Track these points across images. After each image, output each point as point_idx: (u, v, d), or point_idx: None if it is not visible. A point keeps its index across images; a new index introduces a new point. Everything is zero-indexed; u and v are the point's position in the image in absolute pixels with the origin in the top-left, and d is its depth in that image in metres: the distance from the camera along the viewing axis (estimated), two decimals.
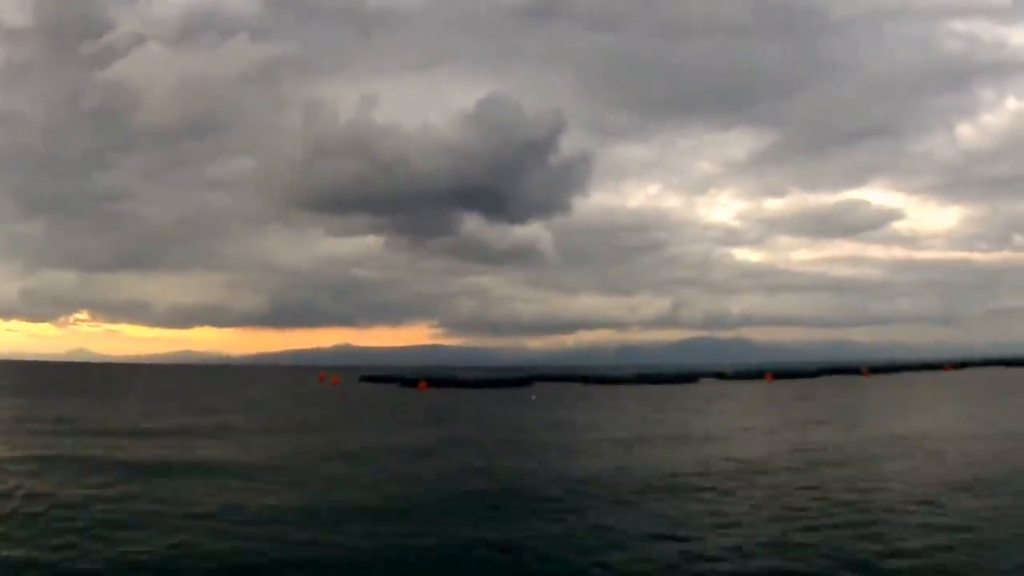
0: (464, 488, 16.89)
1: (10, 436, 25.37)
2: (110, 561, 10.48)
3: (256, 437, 27.73)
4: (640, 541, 11.92)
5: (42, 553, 10.88)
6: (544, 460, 21.16)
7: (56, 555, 10.96)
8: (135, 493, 14.91)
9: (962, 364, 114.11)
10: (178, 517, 13.44)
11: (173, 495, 14.86)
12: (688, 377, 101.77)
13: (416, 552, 11.39)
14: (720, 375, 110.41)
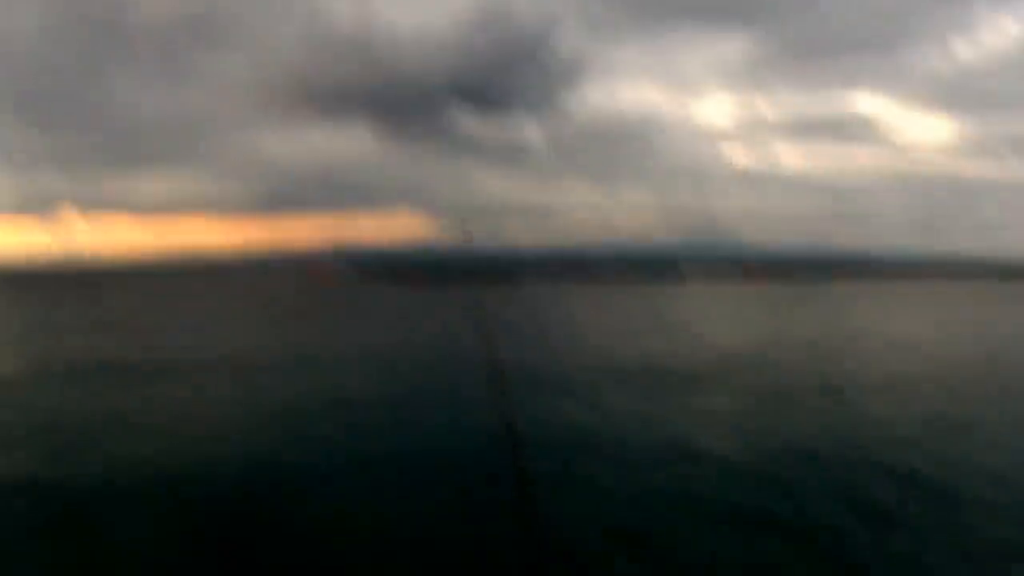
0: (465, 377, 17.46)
1: None
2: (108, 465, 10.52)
3: (245, 334, 28.03)
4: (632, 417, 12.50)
5: (33, 464, 10.88)
6: (531, 349, 21.86)
7: (46, 464, 11.22)
8: (129, 397, 14.83)
9: (946, 273, 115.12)
10: (172, 419, 13.81)
11: (167, 396, 14.89)
12: (675, 274, 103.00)
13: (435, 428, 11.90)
14: (708, 272, 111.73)
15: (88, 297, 55.94)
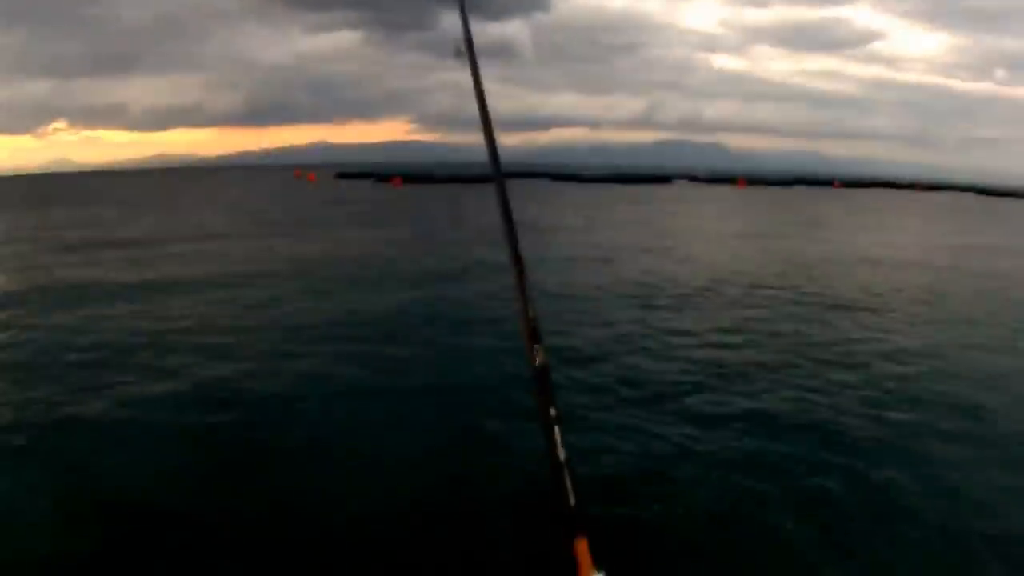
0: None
1: None
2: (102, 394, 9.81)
3: (232, 243, 27.40)
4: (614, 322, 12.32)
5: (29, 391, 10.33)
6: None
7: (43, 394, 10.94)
8: (118, 315, 14.10)
9: (935, 187, 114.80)
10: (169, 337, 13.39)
11: (159, 312, 14.43)
12: (661, 179, 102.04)
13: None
14: (693, 178, 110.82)
15: (77, 203, 54.76)
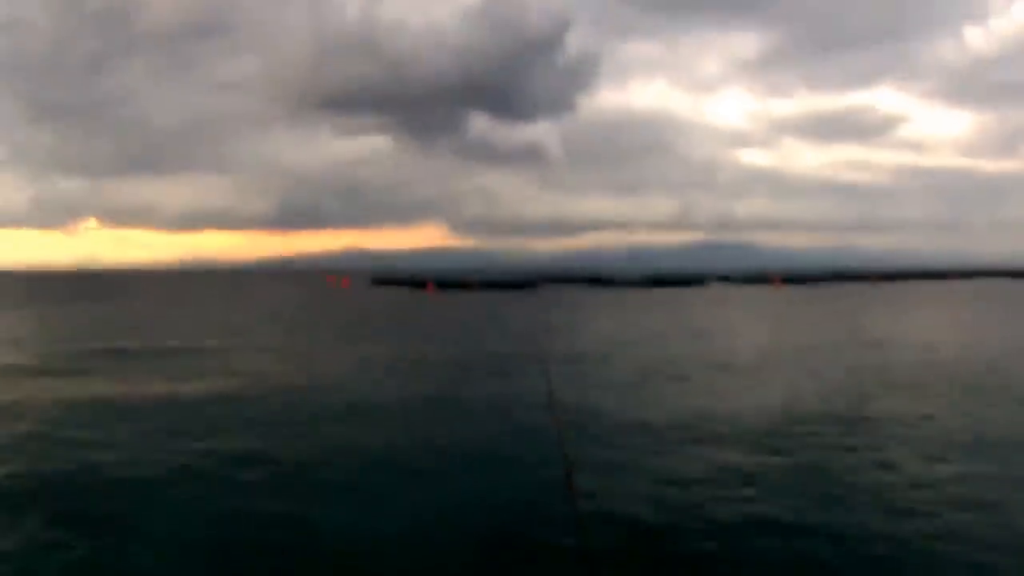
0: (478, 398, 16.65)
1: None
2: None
3: (265, 351, 27.48)
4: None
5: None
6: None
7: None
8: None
9: (967, 274, 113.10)
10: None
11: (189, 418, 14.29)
12: (696, 280, 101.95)
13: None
14: (728, 279, 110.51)
15: (112, 300, 56.00)
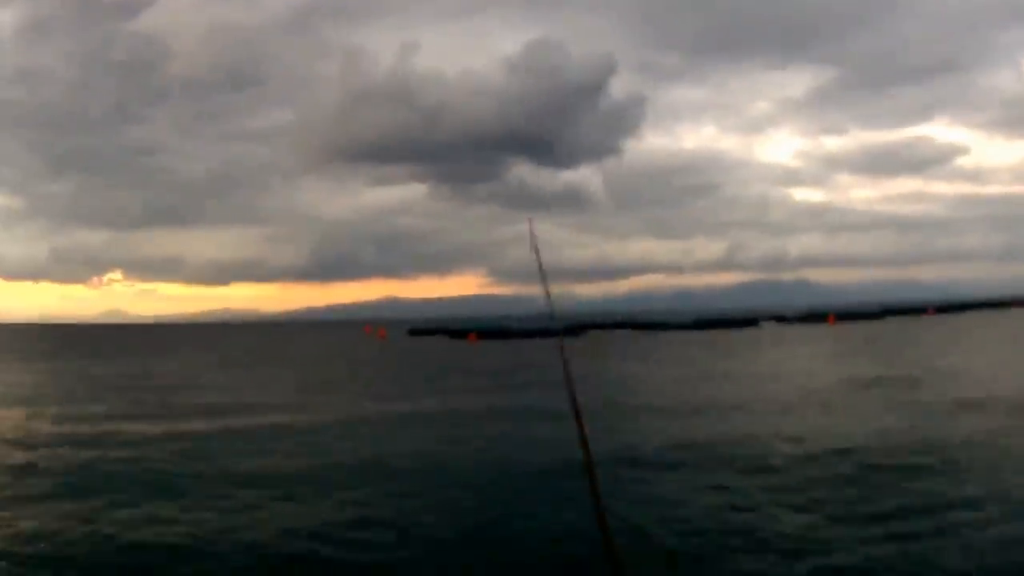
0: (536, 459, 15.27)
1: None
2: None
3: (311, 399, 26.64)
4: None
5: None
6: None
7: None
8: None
9: None
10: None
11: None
12: (748, 321, 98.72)
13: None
14: (781, 318, 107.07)
15: (144, 353, 56.18)
